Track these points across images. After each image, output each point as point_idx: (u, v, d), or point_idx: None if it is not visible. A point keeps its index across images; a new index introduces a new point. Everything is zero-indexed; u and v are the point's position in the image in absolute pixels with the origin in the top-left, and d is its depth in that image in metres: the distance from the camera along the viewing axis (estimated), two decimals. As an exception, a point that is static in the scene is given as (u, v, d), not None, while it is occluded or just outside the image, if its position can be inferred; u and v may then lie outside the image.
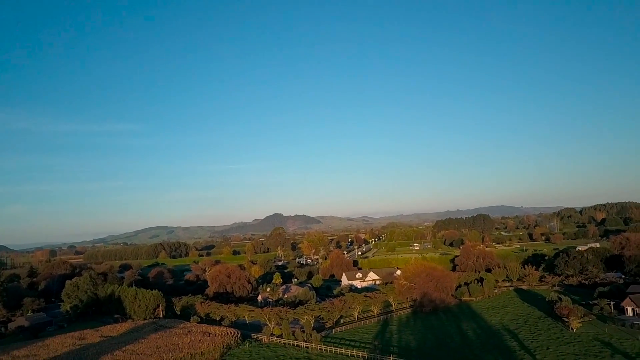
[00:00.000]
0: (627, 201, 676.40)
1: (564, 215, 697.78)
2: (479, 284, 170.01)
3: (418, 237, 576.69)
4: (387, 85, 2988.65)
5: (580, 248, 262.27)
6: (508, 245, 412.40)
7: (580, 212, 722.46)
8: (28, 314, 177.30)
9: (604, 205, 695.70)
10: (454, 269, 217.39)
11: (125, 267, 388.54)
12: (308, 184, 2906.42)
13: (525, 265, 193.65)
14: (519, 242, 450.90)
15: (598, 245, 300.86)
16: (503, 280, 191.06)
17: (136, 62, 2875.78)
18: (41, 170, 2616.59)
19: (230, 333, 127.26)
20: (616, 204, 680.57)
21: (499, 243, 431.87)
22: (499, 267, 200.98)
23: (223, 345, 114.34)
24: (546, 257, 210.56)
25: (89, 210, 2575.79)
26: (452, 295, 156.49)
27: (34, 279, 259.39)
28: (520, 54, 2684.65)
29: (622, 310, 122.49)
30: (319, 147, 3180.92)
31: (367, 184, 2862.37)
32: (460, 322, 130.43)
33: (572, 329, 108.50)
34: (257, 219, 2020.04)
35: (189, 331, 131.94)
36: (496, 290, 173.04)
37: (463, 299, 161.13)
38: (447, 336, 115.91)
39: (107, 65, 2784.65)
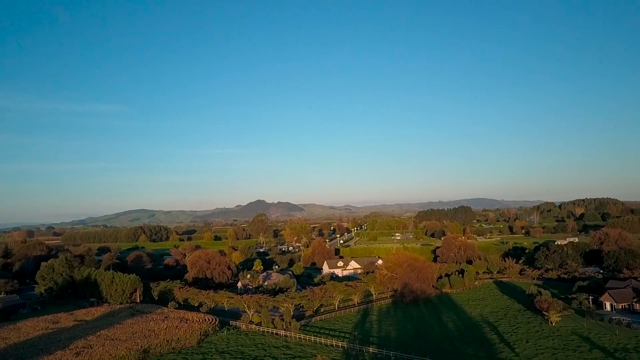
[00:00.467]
0: (605, 197, 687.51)
1: (543, 209, 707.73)
2: (460, 275, 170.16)
3: (400, 227, 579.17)
4: (373, 77, 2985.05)
5: (560, 242, 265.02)
6: (489, 238, 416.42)
7: (560, 206, 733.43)
8: (0, 296, 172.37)
9: (583, 200, 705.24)
10: (435, 260, 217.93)
11: (103, 250, 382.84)
12: (292, 172, 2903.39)
13: (506, 258, 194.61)
14: (499, 234, 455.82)
15: (577, 239, 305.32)
16: (484, 273, 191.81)
17: (121, 43, 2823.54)
18: (20, 149, 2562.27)
19: (208, 320, 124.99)
20: (594, 199, 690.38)
21: (479, 235, 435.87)
22: (480, 259, 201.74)
23: (200, 332, 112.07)
24: (527, 251, 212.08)
25: (68, 192, 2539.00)
26: (433, 286, 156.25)
27: (9, 260, 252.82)
28: (503, 50, 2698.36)
29: (601, 305, 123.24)
30: (304, 135, 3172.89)
31: (351, 173, 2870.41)
32: (440, 314, 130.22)
33: (552, 323, 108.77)
34: (239, 205, 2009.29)
35: (166, 317, 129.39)
36: (477, 282, 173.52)
37: (444, 290, 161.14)
38: (427, 327, 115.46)
39: (91, 45, 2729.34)
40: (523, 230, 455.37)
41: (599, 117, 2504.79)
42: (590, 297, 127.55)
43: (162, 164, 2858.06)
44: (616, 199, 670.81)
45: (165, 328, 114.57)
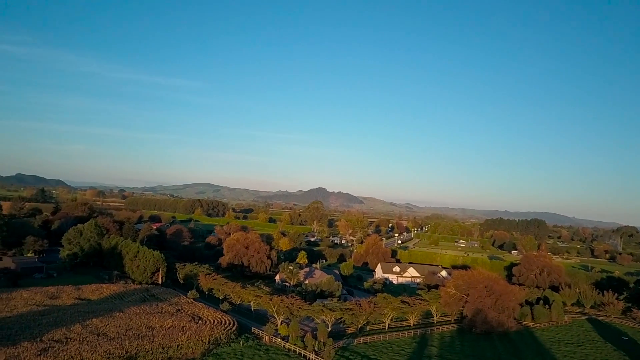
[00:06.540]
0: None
1: (623, 233, 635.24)
2: (546, 306, 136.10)
3: (464, 233, 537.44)
4: (450, 72, 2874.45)
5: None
6: (566, 259, 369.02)
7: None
8: (14, 257, 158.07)
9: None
10: (509, 280, 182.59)
11: (154, 219, 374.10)
12: (355, 163, 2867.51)
13: (605, 291, 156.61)
14: (577, 255, 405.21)
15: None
16: (572, 305, 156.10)
17: (206, 25, 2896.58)
18: (103, 113, 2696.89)
19: (225, 322, 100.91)
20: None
21: (555, 254, 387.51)
22: (569, 286, 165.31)
23: (210, 339, 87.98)
24: (631, 285, 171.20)
25: (144, 158, 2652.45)
26: (514, 318, 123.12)
27: (50, 217, 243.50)
28: (575, 57, 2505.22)
29: None
30: (370, 127, 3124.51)
31: (414, 171, 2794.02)
32: (523, 358, 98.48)
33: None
34: (301, 190, 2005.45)
35: (178, 310, 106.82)
36: (565, 317, 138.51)
37: (524, 322, 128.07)
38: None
39: (178, 23, 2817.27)
40: (607, 255, 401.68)
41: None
42: None
43: (232, 141, 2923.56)
44: None
45: (169, 327, 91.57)
